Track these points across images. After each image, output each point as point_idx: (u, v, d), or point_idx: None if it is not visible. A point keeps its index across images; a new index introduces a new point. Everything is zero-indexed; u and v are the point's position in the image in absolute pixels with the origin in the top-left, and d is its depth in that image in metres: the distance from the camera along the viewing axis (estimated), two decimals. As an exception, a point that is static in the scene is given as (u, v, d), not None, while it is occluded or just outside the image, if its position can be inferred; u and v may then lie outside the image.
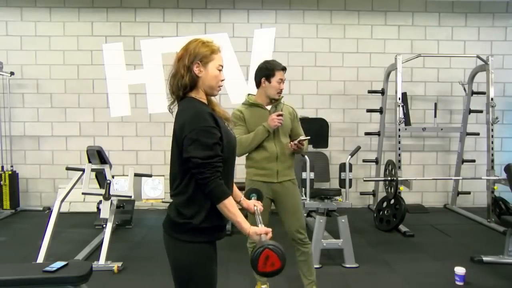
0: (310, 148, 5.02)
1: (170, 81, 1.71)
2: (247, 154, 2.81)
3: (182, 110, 1.67)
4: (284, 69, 2.77)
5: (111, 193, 3.73)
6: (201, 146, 1.57)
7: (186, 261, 1.66)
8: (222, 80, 1.74)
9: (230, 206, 1.61)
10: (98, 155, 3.82)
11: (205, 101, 1.72)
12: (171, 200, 1.71)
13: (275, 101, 2.80)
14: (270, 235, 1.60)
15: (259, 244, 1.51)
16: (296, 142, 2.68)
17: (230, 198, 1.62)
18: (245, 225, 1.62)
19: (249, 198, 2.08)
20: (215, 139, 1.60)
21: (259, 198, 2.11)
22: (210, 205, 1.64)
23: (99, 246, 3.81)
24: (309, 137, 2.69)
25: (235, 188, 1.92)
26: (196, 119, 1.59)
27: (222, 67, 1.73)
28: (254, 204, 1.95)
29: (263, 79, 2.76)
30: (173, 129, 1.67)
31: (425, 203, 6.02)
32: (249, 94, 2.87)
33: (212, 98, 1.78)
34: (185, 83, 1.66)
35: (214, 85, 1.72)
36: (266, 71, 2.74)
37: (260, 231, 1.58)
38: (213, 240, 1.72)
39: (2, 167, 5.58)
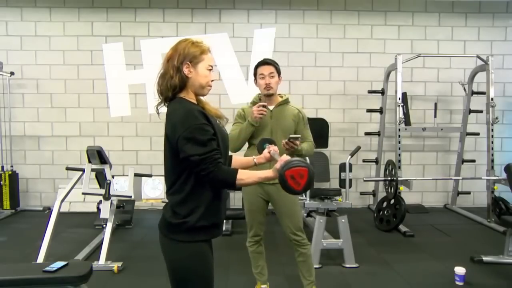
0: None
1: (159, 81, 1.69)
2: (246, 153, 2.81)
3: (172, 111, 1.65)
4: (264, 63, 2.69)
5: (111, 193, 3.73)
6: (197, 143, 1.56)
7: (182, 261, 1.65)
8: (212, 81, 1.74)
9: (245, 177, 1.61)
10: (98, 155, 3.82)
11: (194, 101, 1.71)
12: (168, 201, 1.71)
13: (281, 100, 2.77)
14: (287, 157, 1.61)
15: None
16: (286, 140, 2.54)
17: (240, 171, 1.61)
18: (267, 173, 1.63)
19: (262, 148, 2.08)
20: (209, 135, 1.60)
21: (271, 143, 2.10)
22: (206, 203, 1.63)
23: (99, 246, 3.81)
24: (299, 136, 2.59)
25: (242, 158, 1.95)
26: (187, 118, 1.58)
27: (212, 67, 1.73)
28: (268, 151, 1.94)
29: (254, 79, 2.78)
30: (165, 130, 1.65)
31: (425, 203, 6.02)
32: (258, 94, 2.84)
33: (201, 97, 1.77)
34: (174, 83, 1.65)
35: (204, 85, 1.71)
36: (254, 71, 2.76)
37: (279, 165, 1.58)
38: (210, 238, 1.71)
39: (2, 167, 5.58)
